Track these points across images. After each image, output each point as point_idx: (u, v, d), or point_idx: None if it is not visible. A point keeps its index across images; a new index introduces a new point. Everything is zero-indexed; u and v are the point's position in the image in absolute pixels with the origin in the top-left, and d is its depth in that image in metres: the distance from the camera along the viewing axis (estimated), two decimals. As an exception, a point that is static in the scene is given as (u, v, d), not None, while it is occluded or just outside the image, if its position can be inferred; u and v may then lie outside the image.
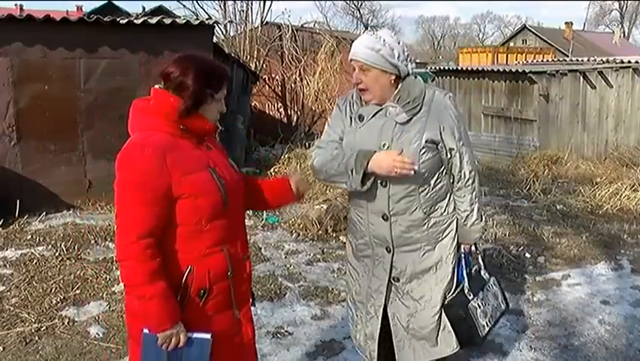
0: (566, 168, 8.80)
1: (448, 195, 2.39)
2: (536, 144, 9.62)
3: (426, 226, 2.34)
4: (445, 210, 2.37)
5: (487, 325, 2.47)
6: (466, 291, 2.42)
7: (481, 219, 2.44)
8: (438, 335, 2.44)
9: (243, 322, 1.94)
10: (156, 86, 1.79)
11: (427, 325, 2.42)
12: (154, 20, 6.29)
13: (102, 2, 16.43)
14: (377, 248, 2.38)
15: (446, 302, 2.41)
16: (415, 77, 2.31)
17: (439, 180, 2.33)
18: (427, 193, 2.30)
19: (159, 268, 1.68)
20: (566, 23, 38.63)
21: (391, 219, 2.30)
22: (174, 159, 1.69)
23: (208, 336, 1.79)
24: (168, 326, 1.70)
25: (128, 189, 1.67)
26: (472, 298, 2.43)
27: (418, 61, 32.84)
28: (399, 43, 2.22)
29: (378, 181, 2.25)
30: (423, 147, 2.23)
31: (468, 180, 2.37)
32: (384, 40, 2.18)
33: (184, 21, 6.59)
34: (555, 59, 14.69)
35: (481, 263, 2.56)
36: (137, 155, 1.67)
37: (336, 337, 3.52)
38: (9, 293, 4.21)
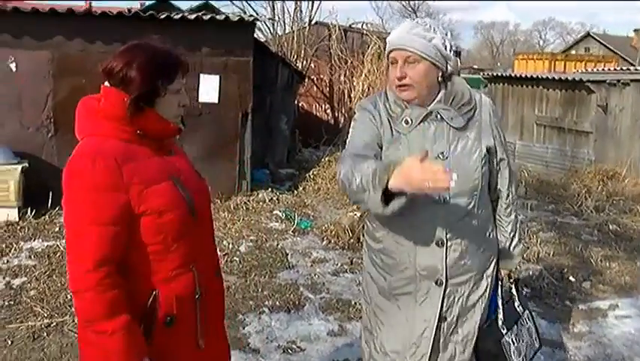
0: (624, 185, 8.17)
1: (493, 214, 2.06)
2: (592, 157, 9.04)
3: (480, 250, 1.97)
4: (490, 233, 2.03)
5: None
6: (500, 323, 2.08)
7: (522, 242, 2.15)
8: None
9: (215, 347, 1.71)
10: (106, 84, 1.52)
11: None
12: (193, 16, 6.21)
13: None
14: (423, 282, 1.92)
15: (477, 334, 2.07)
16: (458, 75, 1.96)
17: (491, 197, 2.03)
18: (485, 212, 1.97)
19: (121, 299, 1.44)
20: (635, 30, 36.67)
21: (447, 245, 1.87)
22: (131, 171, 1.45)
23: None
24: None
25: (79, 208, 1.43)
26: (506, 333, 2.08)
27: (475, 67, 31.99)
28: (446, 33, 1.87)
29: (431, 199, 1.80)
30: (484, 157, 1.90)
31: (514, 197, 2.06)
32: (434, 29, 1.83)
33: (223, 17, 6.49)
34: (618, 68, 13.85)
35: (515, 293, 2.22)
36: (87, 168, 1.42)
37: (350, 357, 3.28)
38: (29, 285, 4.19)
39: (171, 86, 1.54)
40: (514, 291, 2.22)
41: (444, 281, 1.91)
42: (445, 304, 1.94)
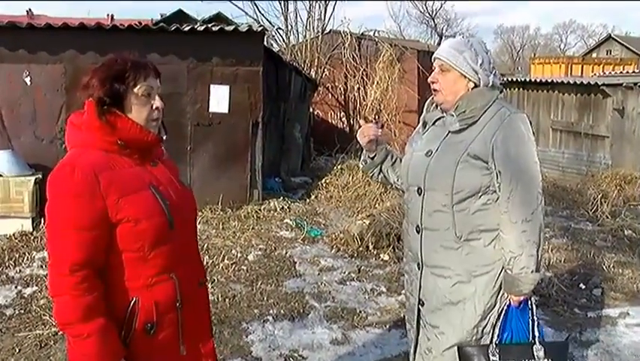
0: (642, 189, 8.03)
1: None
2: (608, 161, 8.90)
3: (460, 251, 2.04)
4: (491, 244, 2.04)
5: None
6: (490, 349, 2.03)
7: (536, 270, 1.99)
8: None
9: (198, 353, 1.73)
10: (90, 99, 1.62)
11: None
12: (202, 27, 6.30)
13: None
14: (411, 263, 2.23)
15: (458, 346, 2.06)
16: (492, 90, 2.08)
17: (486, 206, 2.02)
18: (466, 215, 2.02)
19: (97, 303, 1.49)
20: (658, 33, 36.04)
21: (423, 233, 2.12)
22: (109, 180, 1.51)
23: None
24: None
25: (58, 215, 1.50)
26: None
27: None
28: (486, 53, 2.10)
29: (414, 189, 2.14)
30: (463, 160, 2.00)
31: (516, 216, 1.97)
32: (471, 45, 2.08)
33: (232, 28, 6.56)
34: (637, 71, 13.63)
35: (537, 334, 2.07)
36: (66, 177, 1.50)
37: (351, 366, 3.28)
38: (39, 294, 4.28)
39: (136, 89, 1.58)
40: (536, 331, 2.07)
41: (421, 266, 2.16)
42: (423, 288, 2.17)
